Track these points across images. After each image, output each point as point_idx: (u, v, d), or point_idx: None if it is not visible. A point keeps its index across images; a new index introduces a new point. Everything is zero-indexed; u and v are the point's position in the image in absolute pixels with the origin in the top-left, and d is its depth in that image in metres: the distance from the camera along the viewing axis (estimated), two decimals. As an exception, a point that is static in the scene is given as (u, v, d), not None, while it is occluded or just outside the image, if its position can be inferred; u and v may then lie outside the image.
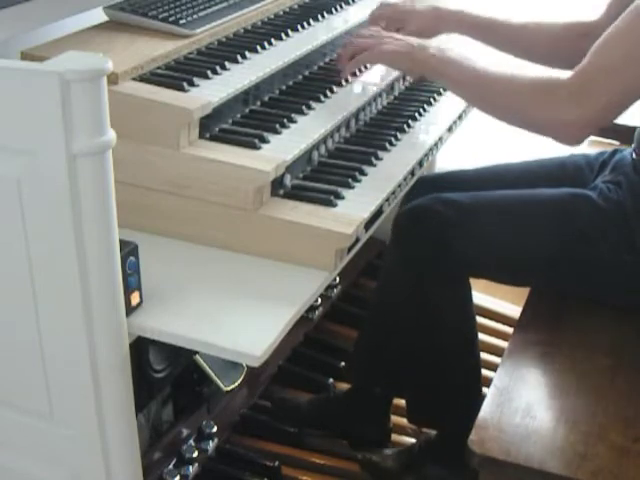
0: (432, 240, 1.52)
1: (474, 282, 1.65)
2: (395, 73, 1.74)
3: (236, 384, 1.62)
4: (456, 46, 1.65)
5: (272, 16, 1.75)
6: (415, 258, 1.55)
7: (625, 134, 2.06)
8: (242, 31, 1.65)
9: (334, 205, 1.34)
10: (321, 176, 1.45)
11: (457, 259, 1.53)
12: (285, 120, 1.45)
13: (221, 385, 1.57)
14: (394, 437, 1.88)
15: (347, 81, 1.64)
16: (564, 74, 1.40)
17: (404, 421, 1.82)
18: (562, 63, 1.59)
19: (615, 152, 1.70)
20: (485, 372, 2.16)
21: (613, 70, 1.35)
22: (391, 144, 1.59)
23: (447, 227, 1.52)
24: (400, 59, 1.55)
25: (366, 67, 1.70)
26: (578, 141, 1.42)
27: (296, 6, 1.83)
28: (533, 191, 1.58)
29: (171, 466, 1.63)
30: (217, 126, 1.41)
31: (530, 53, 1.74)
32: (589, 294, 1.53)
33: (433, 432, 1.77)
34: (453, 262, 1.53)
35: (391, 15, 1.75)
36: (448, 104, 1.79)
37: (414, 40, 1.56)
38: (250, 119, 1.46)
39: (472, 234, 1.53)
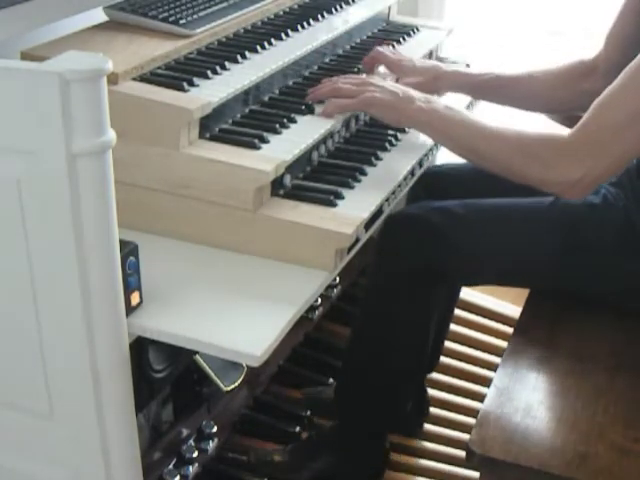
0: (424, 249, 1.48)
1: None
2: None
3: (236, 384, 1.62)
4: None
5: (272, 16, 1.75)
6: (403, 267, 1.50)
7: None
8: (242, 31, 1.65)
9: (334, 205, 1.34)
10: (321, 176, 1.45)
11: (449, 267, 1.50)
12: (285, 120, 1.45)
13: (221, 385, 1.57)
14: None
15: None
16: (564, 132, 1.37)
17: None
18: (563, 107, 1.57)
19: None
20: (485, 372, 2.17)
21: (618, 129, 1.31)
22: (391, 144, 1.59)
23: (441, 235, 1.48)
24: (384, 110, 1.48)
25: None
26: (582, 196, 1.40)
27: (296, 6, 1.83)
28: (532, 200, 1.54)
29: (171, 466, 1.63)
30: (217, 126, 1.41)
31: (530, 104, 1.72)
32: (589, 300, 1.52)
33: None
34: (445, 270, 1.51)
35: (390, 67, 1.70)
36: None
37: (400, 88, 1.51)
38: (250, 119, 1.46)
39: (467, 244, 1.50)
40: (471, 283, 1.72)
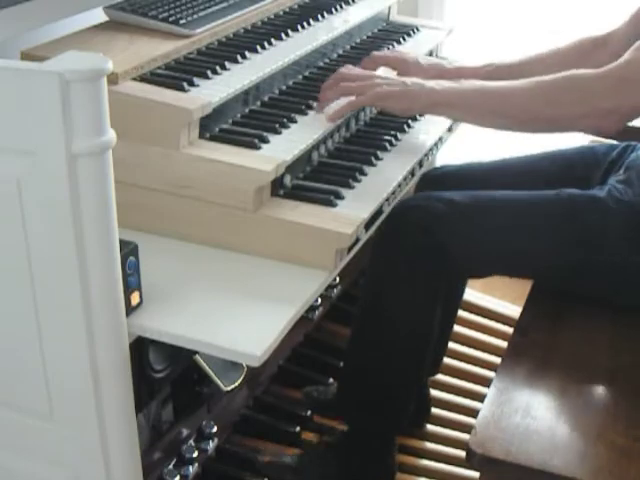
0: (426, 237, 1.47)
1: (473, 282, 1.64)
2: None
3: (236, 384, 1.61)
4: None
5: (272, 16, 1.75)
6: (406, 254, 1.49)
7: (625, 134, 2.06)
8: (242, 31, 1.65)
9: (334, 205, 1.34)
10: (321, 176, 1.45)
11: (451, 257, 1.49)
12: (285, 120, 1.45)
13: (221, 385, 1.57)
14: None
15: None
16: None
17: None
18: None
19: (627, 148, 1.67)
20: (485, 372, 2.17)
21: None
22: (391, 144, 1.59)
23: (442, 224, 1.48)
24: (396, 100, 1.48)
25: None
26: (614, 129, 1.40)
27: (296, 6, 1.83)
28: (537, 192, 1.54)
29: (171, 466, 1.63)
30: (217, 126, 1.41)
31: None
32: (593, 294, 1.52)
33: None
34: (446, 260, 1.50)
35: (394, 64, 1.69)
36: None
37: (407, 78, 1.52)
38: (250, 119, 1.46)
39: (469, 233, 1.49)
40: (473, 274, 1.69)
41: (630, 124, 2.13)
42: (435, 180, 1.76)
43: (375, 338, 1.59)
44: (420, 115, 1.73)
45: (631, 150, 1.66)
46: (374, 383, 1.60)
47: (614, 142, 1.76)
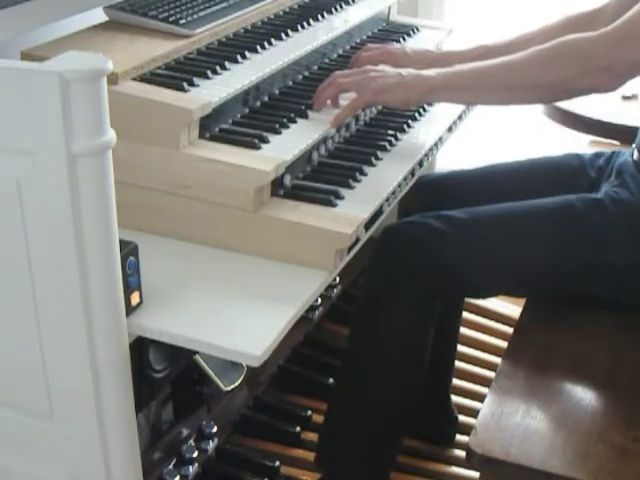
0: (424, 255, 1.43)
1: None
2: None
3: (236, 384, 1.62)
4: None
5: (272, 16, 1.75)
6: (404, 272, 1.44)
7: (625, 134, 2.07)
8: (242, 31, 1.65)
9: (334, 205, 1.34)
10: (321, 176, 1.45)
11: (451, 275, 1.45)
12: (285, 120, 1.45)
13: (221, 385, 1.57)
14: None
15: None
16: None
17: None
18: None
19: (612, 155, 1.68)
20: (485, 372, 2.17)
21: None
22: (391, 144, 1.59)
23: (440, 241, 1.45)
24: (392, 93, 1.47)
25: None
26: (613, 88, 1.41)
27: (296, 6, 1.84)
28: (533, 202, 1.52)
29: (171, 466, 1.63)
30: (217, 126, 1.41)
31: None
32: (596, 296, 1.50)
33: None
34: (446, 279, 1.46)
35: (383, 60, 1.67)
36: (448, 104, 1.79)
37: (401, 69, 1.51)
38: (250, 119, 1.46)
39: (467, 249, 1.46)
40: (473, 293, 1.64)
41: (623, 124, 2.14)
42: (430, 185, 1.74)
43: (367, 355, 1.52)
44: (420, 115, 1.73)
45: (617, 156, 1.65)
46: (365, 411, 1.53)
47: (601, 150, 1.76)
